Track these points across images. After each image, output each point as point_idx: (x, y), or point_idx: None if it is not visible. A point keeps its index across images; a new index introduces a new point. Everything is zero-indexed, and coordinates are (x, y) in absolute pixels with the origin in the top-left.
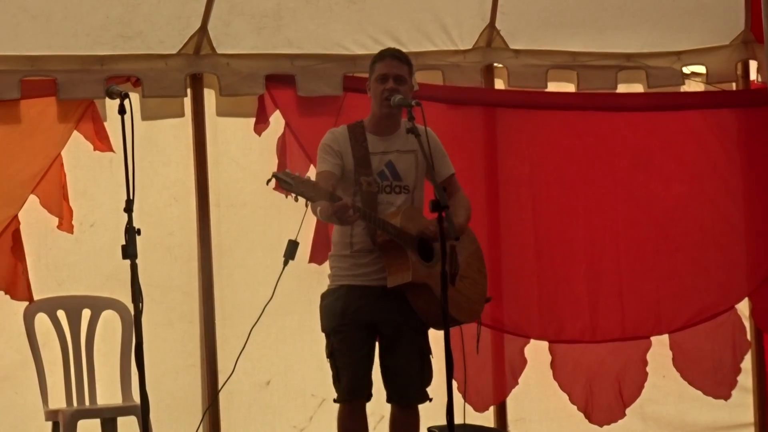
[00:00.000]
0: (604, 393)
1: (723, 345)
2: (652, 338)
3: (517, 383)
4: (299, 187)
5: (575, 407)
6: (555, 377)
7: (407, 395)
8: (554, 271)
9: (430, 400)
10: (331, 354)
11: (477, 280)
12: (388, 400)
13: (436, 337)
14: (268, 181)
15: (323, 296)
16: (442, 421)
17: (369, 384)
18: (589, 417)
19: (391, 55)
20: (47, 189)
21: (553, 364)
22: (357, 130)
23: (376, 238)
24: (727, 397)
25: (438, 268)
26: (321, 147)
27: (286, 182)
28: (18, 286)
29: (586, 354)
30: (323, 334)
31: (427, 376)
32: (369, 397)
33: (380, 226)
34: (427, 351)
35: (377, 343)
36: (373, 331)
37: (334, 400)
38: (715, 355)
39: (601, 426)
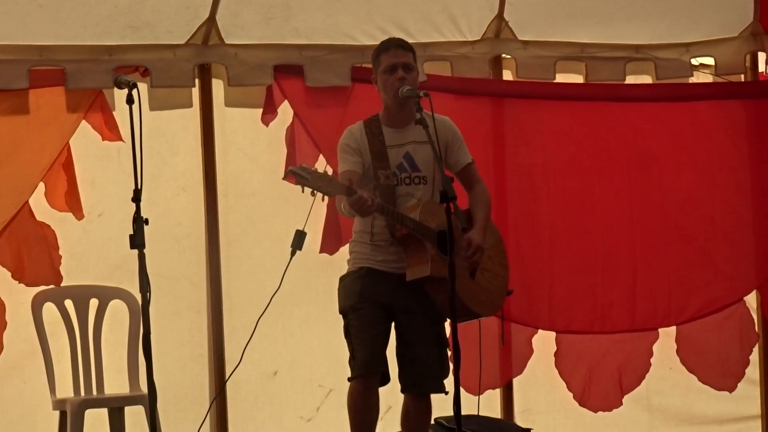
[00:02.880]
0: (603, 381)
1: (729, 337)
2: (660, 330)
3: (521, 372)
4: (316, 182)
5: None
6: (556, 365)
7: (424, 385)
8: (567, 263)
9: (446, 393)
10: (347, 332)
11: (498, 272)
12: (404, 390)
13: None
14: (285, 176)
15: (342, 278)
16: (450, 412)
17: (384, 360)
18: (584, 403)
19: (395, 44)
20: (54, 182)
21: (556, 353)
22: (373, 124)
23: (395, 232)
24: (732, 389)
25: (457, 261)
26: (340, 147)
27: (302, 177)
28: (41, 271)
29: (591, 344)
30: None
31: (445, 367)
32: (385, 378)
33: (398, 221)
34: (444, 342)
35: (393, 332)
36: (390, 314)
37: (348, 379)
38: (721, 348)
39: (595, 411)
